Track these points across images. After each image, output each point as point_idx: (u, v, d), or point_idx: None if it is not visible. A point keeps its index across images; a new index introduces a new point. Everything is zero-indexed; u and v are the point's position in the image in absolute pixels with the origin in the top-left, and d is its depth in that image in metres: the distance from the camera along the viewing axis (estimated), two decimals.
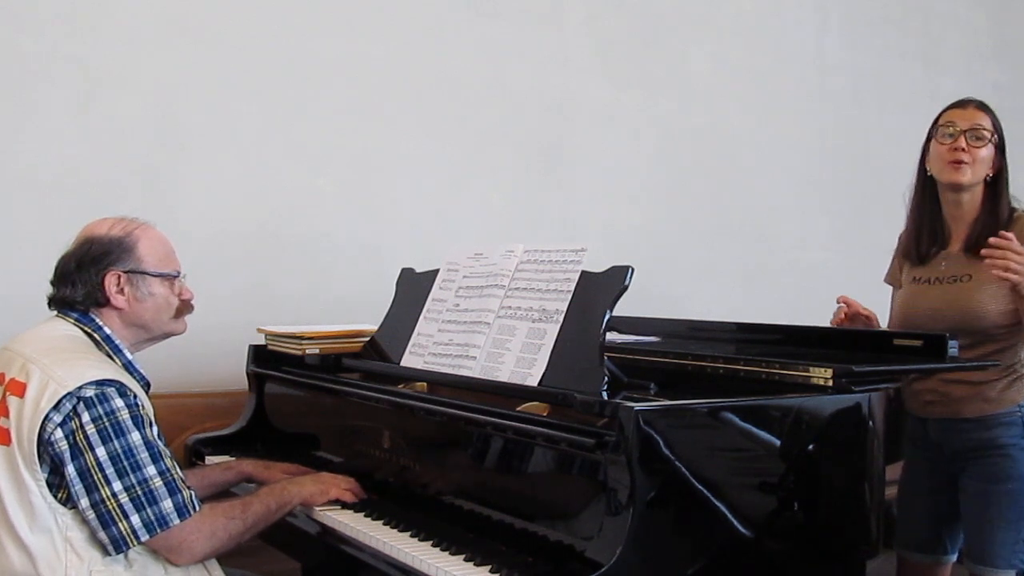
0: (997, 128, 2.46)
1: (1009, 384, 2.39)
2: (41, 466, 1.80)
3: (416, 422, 2.17)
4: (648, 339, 2.75)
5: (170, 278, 2.06)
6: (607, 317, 1.95)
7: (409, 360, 2.41)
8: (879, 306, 2.69)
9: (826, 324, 2.56)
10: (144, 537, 1.79)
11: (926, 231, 2.55)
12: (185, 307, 2.11)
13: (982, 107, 2.48)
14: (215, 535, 1.87)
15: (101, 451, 1.78)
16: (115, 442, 1.79)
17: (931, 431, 2.47)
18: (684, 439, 1.69)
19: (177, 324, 2.10)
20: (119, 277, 1.99)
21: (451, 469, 2.10)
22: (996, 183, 2.46)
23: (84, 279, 1.97)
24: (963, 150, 2.41)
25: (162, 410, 2.02)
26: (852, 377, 1.93)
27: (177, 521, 1.82)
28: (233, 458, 2.53)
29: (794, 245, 4.82)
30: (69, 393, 1.79)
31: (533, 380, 2.02)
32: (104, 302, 1.99)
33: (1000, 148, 2.46)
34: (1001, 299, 2.37)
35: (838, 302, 2.55)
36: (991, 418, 2.39)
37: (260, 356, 2.84)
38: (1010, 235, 2.23)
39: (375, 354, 2.59)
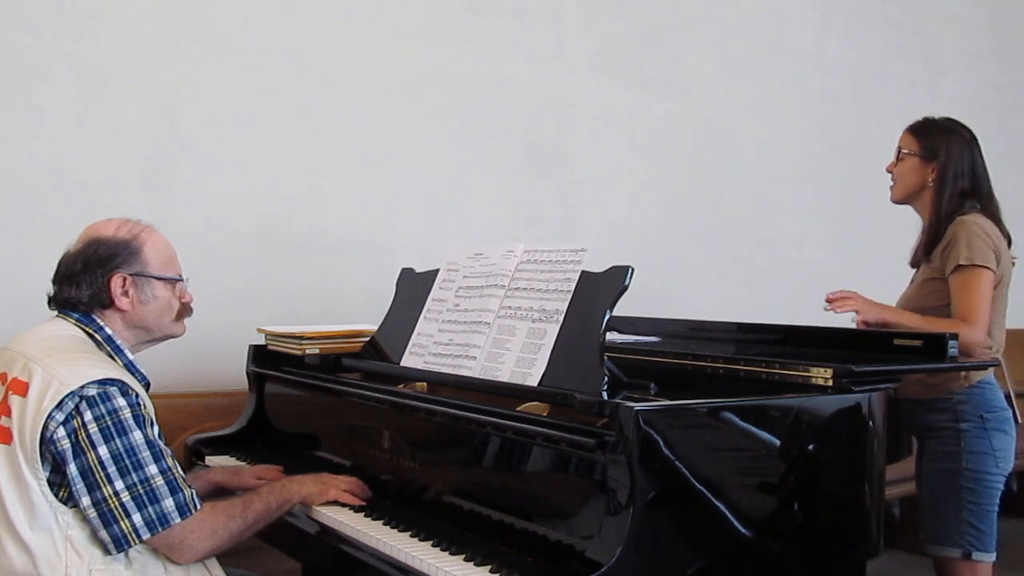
0: (922, 141, 2.66)
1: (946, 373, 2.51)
2: (43, 465, 1.80)
3: (416, 422, 2.17)
4: (648, 339, 2.75)
5: (173, 281, 2.07)
6: (607, 317, 1.95)
7: (409, 360, 2.41)
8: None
9: (826, 324, 2.56)
10: (145, 535, 1.80)
11: (919, 240, 2.76)
12: (185, 310, 2.12)
13: (911, 128, 2.72)
14: (216, 533, 1.87)
15: (103, 450, 1.78)
16: (117, 441, 1.79)
17: (902, 412, 2.57)
18: (684, 439, 1.69)
19: (177, 327, 2.11)
20: (124, 279, 1.99)
21: (451, 469, 2.10)
22: (935, 188, 2.63)
23: (90, 280, 1.98)
24: (888, 171, 2.74)
25: (162, 410, 2.02)
26: (852, 377, 1.93)
27: (178, 520, 1.82)
28: (204, 467, 2.52)
29: (794, 245, 4.82)
30: (72, 392, 1.79)
31: (533, 380, 2.02)
32: (108, 303, 1.99)
33: (927, 157, 2.63)
34: (927, 296, 2.57)
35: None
36: (930, 402, 2.56)
37: (260, 356, 2.84)
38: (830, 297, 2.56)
39: (375, 354, 2.59)
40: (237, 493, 2.26)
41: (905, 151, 2.68)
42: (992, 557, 2.50)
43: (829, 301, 2.56)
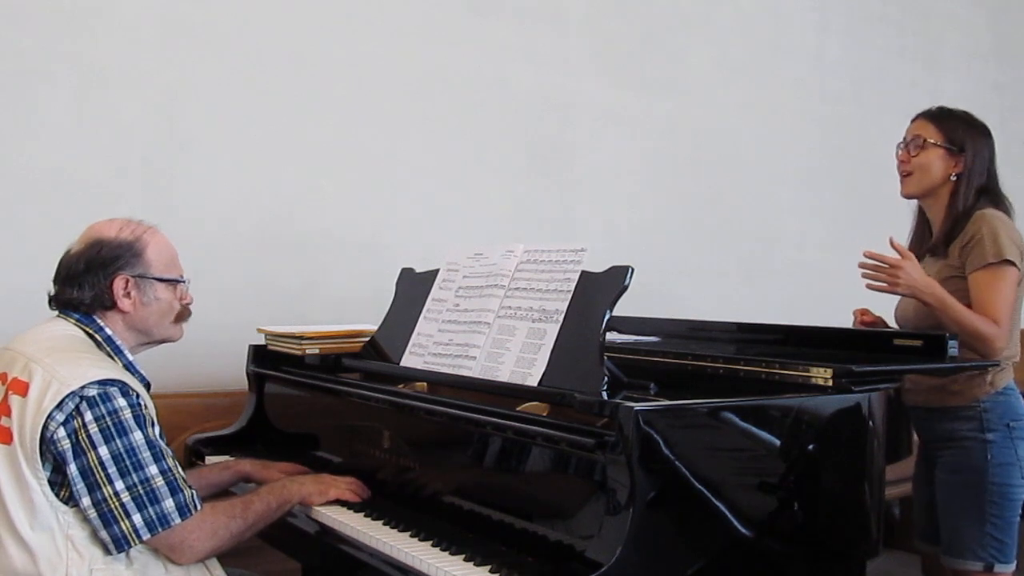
0: (947, 132, 2.54)
1: (970, 378, 2.44)
2: (43, 465, 1.80)
3: (416, 422, 2.17)
4: (648, 339, 2.75)
5: (175, 283, 2.07)
6: (607, 317, 1.95)
7: (409, 360, 2.41)
8: (875, 304, 2.70)
9: (826, 324, 2.56)
10: (145, 536, 1.80)
11: (915, 234, 2.69)
12: (185, 312, 2.11)
13: (931, 117, 2.59)
14: (216, 534, 1.87)
15: (103, 450, 1.78)
16: (117, 441, 1.79)
17: (912, 419, 2.51)
18: (684, 439, 1.69)
19: (175, 330, 2.11)
20: (127, 281, 1.99)
21: (451, 469, 2.10)
22: (957, 183, 2.53)
23: (92, 281, 1.97)
24: (902, 161, 2.60)
25: (162, 410, 2.02)
26: (852, 377, 1.93)
27: (178, 520, 1.82)
28: (232, 458, 2.53)
29: (794, 245, 4.82)
30: (72, 392, 1.79)
31: (533, 380, 2.02)
32: (110, 305, 1.99)
33: (953, 150, 2.52)
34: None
35: (854, 314, 2.65)
36: (953, 410, 2.47)
37: (260, 356, 2.84)
38: (873, 252, 2.36)
39: (375, 354, 2.59)
40: (237, 493, 2.27)
41: (931, 142, 2.53)
42: (1012, 567, 2.44)
43: (873, 269, 2.36)
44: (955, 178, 2.53)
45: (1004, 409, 2.44)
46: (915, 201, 2.68)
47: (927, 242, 2.62)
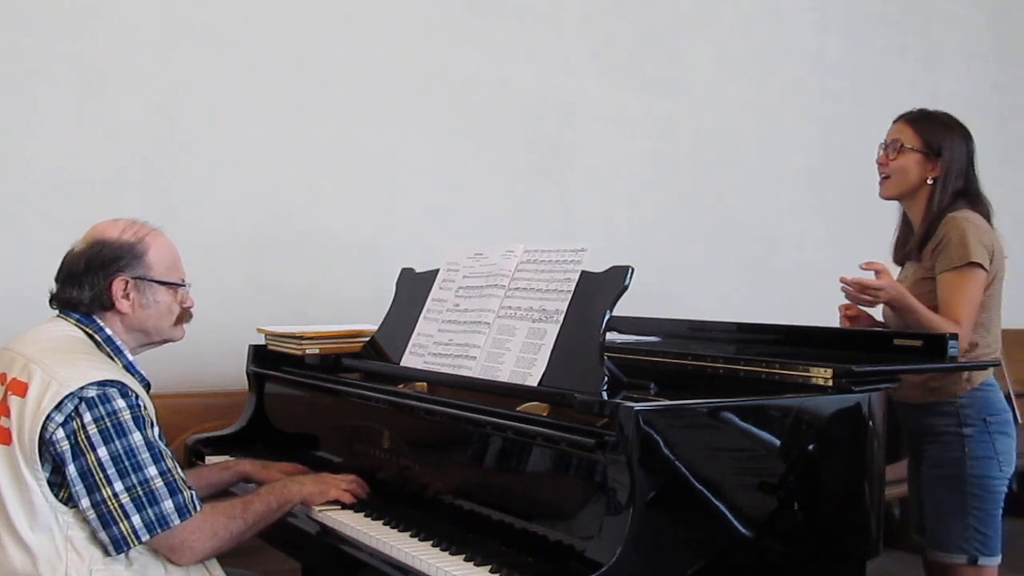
0: (924, 136, 2.57)
1: (947, 375, 2.47)
2: (43, 465, 1.80)
3: (416, 422, 2.17)
4: (648, 339, 2.75)
5: (175, 286, 2.06)
6: (607, 317, 1.95)
7: (409, 360, 2.41)
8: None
9: (826, 324, 2.57)
10: (144, 537, 1.79)
11: (899, 237, 2.73)
12: (185, 315, 2.11)
13: (910, 120, 2.62)
14: (216, 535, 1.87)
15: (102, 451, 1.78)
16: (116, 442, 1.79)
17: (899, 416, 2.52)
18: (684, 439, 1.69)
19: (176, 331, 2.10)
20: (126, 283, 1.99)
21: (451, 469, 2.10)
22: (933, 187, 2.57)
23: (91, 282, 1.97)
24: (881, 164, 2.64)
25: (162, 410, 2.02)
26: (852, 377, 1.93)
27: (178, 521, 1.82)
28: (232, 458, 2.53)
29: (794, 245, 4.83)
30: (71, 393, 1.79)
31: (533, 380, 2.02)
32: (109, 306, 1.99)
33: (930, 154, 2.55)
34: (921, 297, 2.47)
35: (839, 309, 2.66)
36: (931, 406, 2.51)
37: (260, 356, 2.84)
38: (848, 277, 2.43)
39: (375, 354, 2.59)
40: (237, 493, 2.26)
41: (908, 146, 2.57)
42: (997, 560, 2.47)
43: (857, 291, 2.43)
44: (932, 182, 2.57)
45: (982, 404, 2.48)
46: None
47: (909, 244, 2.66)
